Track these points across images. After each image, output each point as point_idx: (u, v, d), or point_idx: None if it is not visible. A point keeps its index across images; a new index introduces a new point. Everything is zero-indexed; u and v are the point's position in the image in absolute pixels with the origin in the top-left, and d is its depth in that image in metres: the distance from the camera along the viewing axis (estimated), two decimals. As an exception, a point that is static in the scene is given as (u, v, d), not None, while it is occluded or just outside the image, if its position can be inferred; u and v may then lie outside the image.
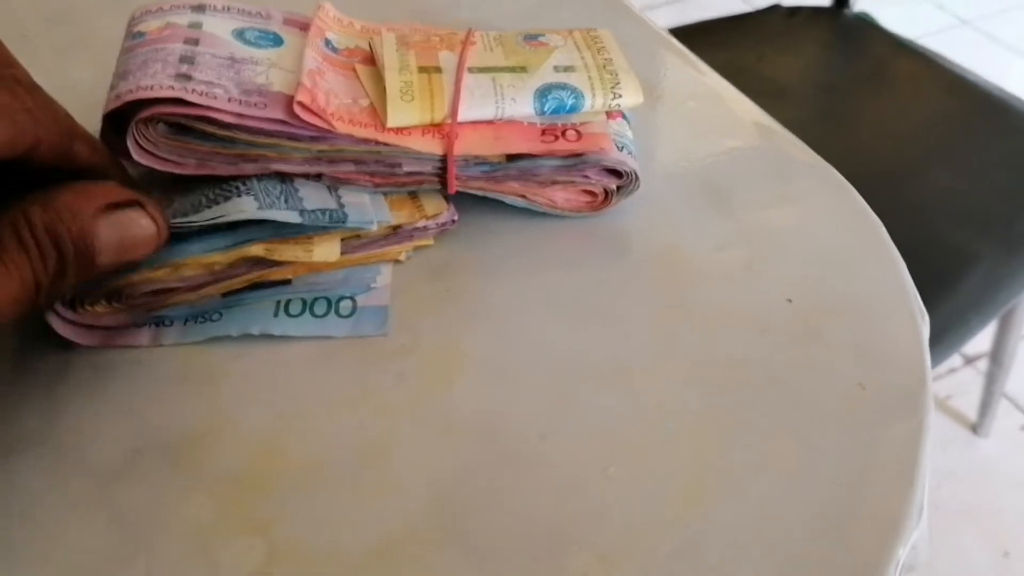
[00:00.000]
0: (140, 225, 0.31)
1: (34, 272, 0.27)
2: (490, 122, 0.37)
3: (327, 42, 0.38)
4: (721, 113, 0.45)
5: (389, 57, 0.37)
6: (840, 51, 1.12)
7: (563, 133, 0.37)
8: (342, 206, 0.35)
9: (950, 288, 0.84)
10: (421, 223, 0.36)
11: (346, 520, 0.29)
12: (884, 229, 0.38)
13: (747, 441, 0.31)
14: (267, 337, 0.34)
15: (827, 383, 0.32)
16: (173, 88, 0.33)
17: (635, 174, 0.38)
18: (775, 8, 1.14)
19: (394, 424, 0.32)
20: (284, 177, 0.35)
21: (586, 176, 0.38)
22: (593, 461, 0.30)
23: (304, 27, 0.39)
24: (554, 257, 0.37)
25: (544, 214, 0.39)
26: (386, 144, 0.35)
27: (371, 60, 0.38)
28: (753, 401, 0.32)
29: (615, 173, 0.38)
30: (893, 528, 0.29)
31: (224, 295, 0.34)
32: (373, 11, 0.43)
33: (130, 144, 0.33)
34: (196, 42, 0.35)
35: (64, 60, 0.49)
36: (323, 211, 0.34)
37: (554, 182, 0.38)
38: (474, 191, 0.37)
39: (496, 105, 0.36)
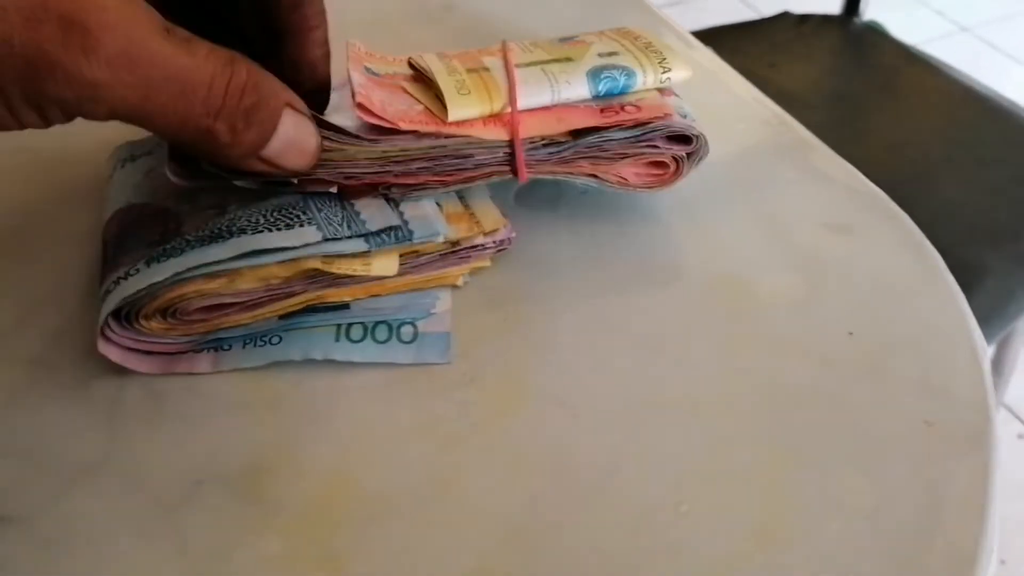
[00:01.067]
0: (310, 134, 0.32)
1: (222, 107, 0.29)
2: (548, 108, 0.36)
3: (367, 69, 0.38)
4: (763, 130, 0.45)
5: (435, 66, 0.37)
6: (850, 60, 1.12)
7: (622, 108, 0.37)
8: (406, 222, 0.34)
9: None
10: (479, 240, 0.36)
11: (418, 555, 0.29)
12: (941, 260, 0.38)
13: (817, 478, 0.31)
14: (328, 363, 0.33)
15: (893, 418, 0.32)
16: None
17: (703, 138, 0.37)
18: (784, 15, 1.15)
19: (462, 456, 0.31)
20: (344, 198, 0.35)
21: (655, 146, 0.37)
22: (664, 497, 0.30)
23: None
24: (611, 284, 0.37)
25: (597, 237, 0.38)
26: (450, 136, 0.35)
27: (414, 79, 0.38)
28: (821, 436, 0.32)
29: (683, 140, 0.38)
30: (969, 568, 0.29)
31: (281, 318, 0.34)
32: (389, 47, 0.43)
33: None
34: None
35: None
36: (388, 231, 0.34)
37: (623, 156, 0.37)
38: (545, 175, 0.37)
39: (552, 90, 0.36)
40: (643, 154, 0.37)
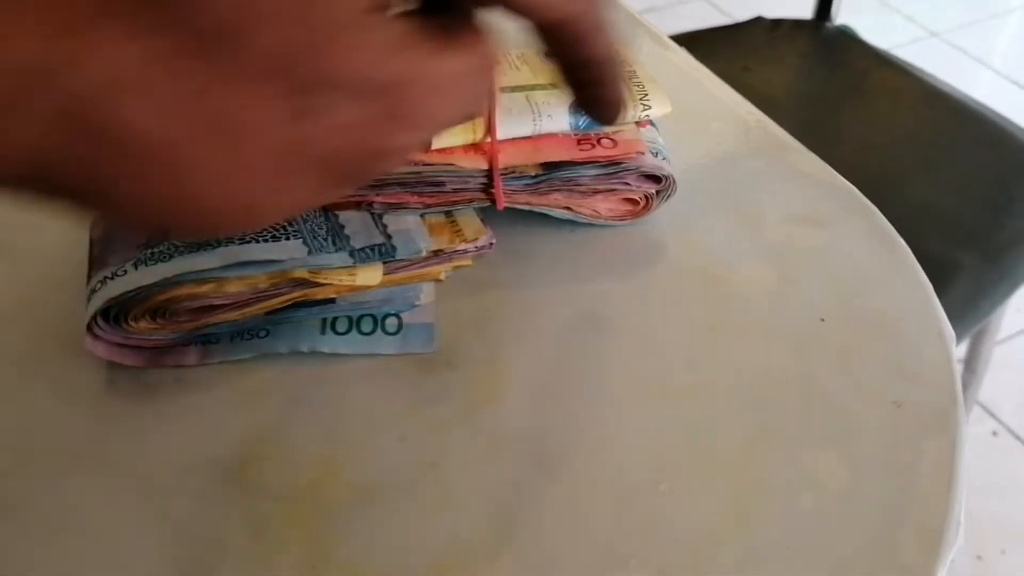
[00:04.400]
0: None
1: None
2: (528, 138, 0.37)
3: None
4: (739, 129, 0.46)
5: None
6: (822, 63, 1.14)
7: (598, 141, 0.38)
8: (389, 237, 0.35)
9: (933, 298, 0.86)
10: (461, 247, 0.37)
11: (403, 537, 0.29)
12: (910, 251, 0.39)
13: (792, 458, 0.32)
14: (314, 354, 0.34)
15: (864, 401, 0.33)
16: None
17: (672, 178, 0.39)
18: (758, 20, 1.16)
19: (445, 440, 0.32)
20: (328, 211, 0.36)
21: (626, 183, 0.38)
22: (645, 477, 0.31)
23: None
24: (590, 275, 0.38)
25: (576, 232, 0.39)
26: (429, 164, 0.36)
27: None
28: (795, 419, 0.33)
29: (653, 179, 0.39)
30: (937, 542, 0.30)
31: (268, 312, 0.35)
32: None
33: None
34: None
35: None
36: (372, 248, 0.35)
37: (596, 191, 0.38)
38: (521, 206, 0.38)
39: (533, 121, 0.37)
40: (615, 190, 0.39)
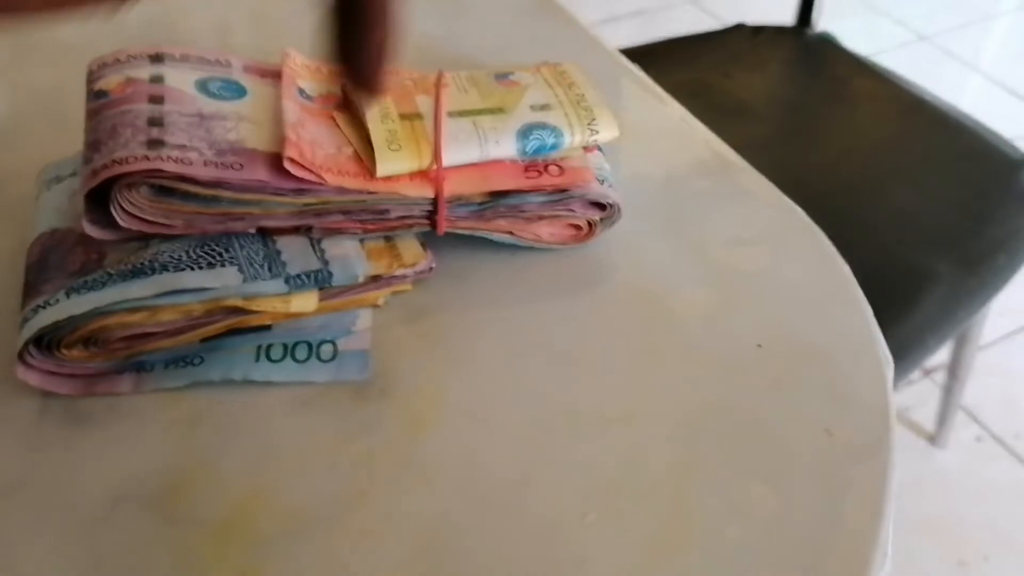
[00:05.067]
0: None
1: None
2: (474, 164, 0.37)
3: (300, 91, 0.39)
4: (686, 148, 0.46)
5: (369, 108, 0.38)
6: (802, 70, 1.14)
7: (546, 168, 0.38)
8: (326, 263, 0.35)
9: (909, 307, 0.86)
10: (399, 272, 0.37)
11: (332, 567, 0.30)
12: (850, 271, 0.39)
13: (721, 487, 0.32)
14: (247, 382, 0.34)
15: (796, 429, 0.33)
16: (148, 158, 0.33)
17: (618, 206, 0.39)
18: (739, 27, 1.16)
19: (376, 470, 0.32)
20: (266, 235, 0.36)
21: (571, 210, 0.38)
22: (572, 508, 0.31)
23: (264, 74, 0.39)
24: (529, 297, 0.38)
25: (518, 254, 0.39)
26: (374, 192, 0.36)
27: (346, 104, 0.39)
28: (726, 447, 0.33)
29: (598, 205, 0.39)
30: (862, 572, 0.30)
31: (202, 340, 0.35)
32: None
33: (115, 212, 0.33)
34: (161, 99, 0.35)
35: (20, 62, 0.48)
36: (308, 274, 0.34)
37: (540, 217, 0.39)
38: (463, 231, 0.38)
39: (480, 148, 0.37)
40: (559, 216, 0.39)
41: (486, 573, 0.29)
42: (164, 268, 0.33)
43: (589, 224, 0.39)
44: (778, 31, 1.16)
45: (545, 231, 0.39)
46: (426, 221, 0.37)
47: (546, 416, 0.34)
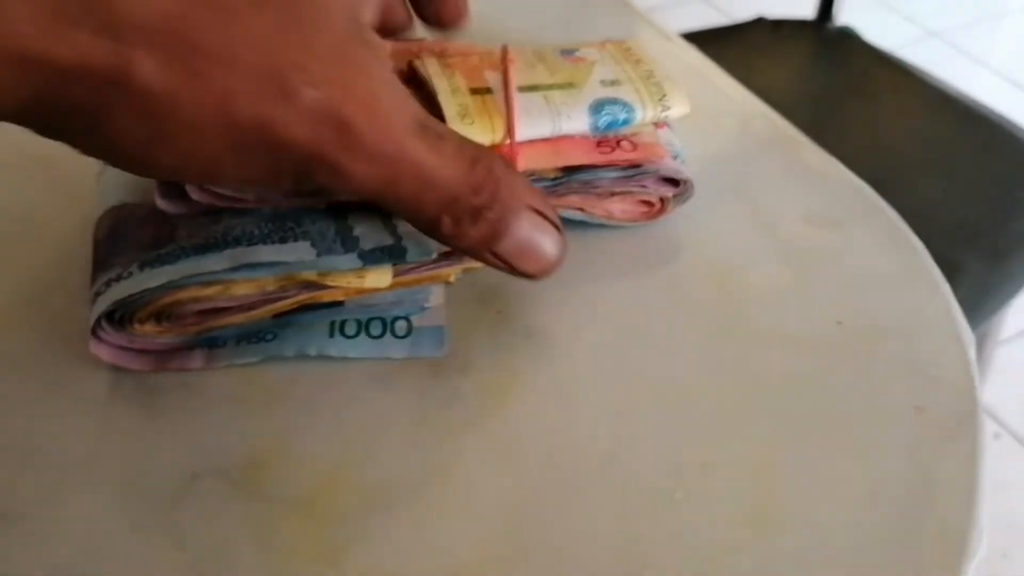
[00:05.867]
0: (550, 242, 0.31)
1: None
2: (546, 139, 0.37)
3: None
4: (749, 126, 0.45)
5: (438, 80, 0.37)
6: (824, 64, 1.14)
7: (618, 144, 0.37)
8: (399, 238, 0.34)
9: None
10: None
11: (417, 545, 0.29)
12: (926, 251, 0.38)
13: (810, 464, 0.31)
14: (323, 358, 0.33)
15: (883, 405, 0.33)
16: None
17: (690, 182, 0.38)
18: (759, 21, 1.16)
19: (458, 447, 0.31)
20: (337, 212, 0.35)
21: (643, 186, 0.38)
22: (660, 485, 0.30)
23: None
24: (601, 275, 0.37)
25: (588, 232, 0.39)
26: None
27: (411, 82, 0.38)
28: (813, 423, 0.32)
29: (671, 182, 0.38)
30: (959, 549, 0.29)
31: (275, 316, 0.34)
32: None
33: (188, 186, 0.33)
34: None
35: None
36: (382, 249, 0.34)
37: (612, 193, 0.38)
38: None
39: (552, 122, 0.36)
40: (632, 193, 0.38)
41: (577, 550, 0.29)
42: (237, 242, 0.33)
43: (661, 201, 0.39)
44: (799, 25, 1.16)
45: (617, 207, 0.39)
46: None
47: (627, 393, 0.33)
